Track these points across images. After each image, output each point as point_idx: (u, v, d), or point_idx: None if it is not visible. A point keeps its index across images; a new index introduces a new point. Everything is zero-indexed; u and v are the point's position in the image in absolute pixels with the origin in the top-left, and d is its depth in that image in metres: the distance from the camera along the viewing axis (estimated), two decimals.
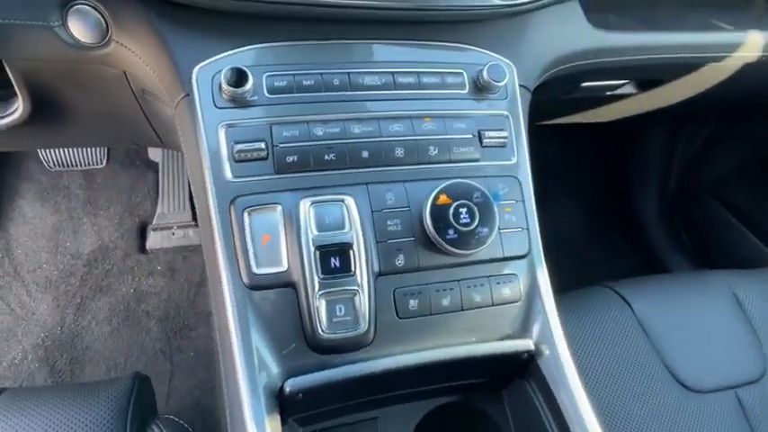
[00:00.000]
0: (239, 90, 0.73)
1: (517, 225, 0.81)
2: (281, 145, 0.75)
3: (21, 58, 0.85)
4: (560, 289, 0.88)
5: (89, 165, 1.84)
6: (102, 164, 1.86)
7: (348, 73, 0.80)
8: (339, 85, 0.79)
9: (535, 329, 0.81)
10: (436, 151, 0.80)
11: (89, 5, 0.79)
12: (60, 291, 1.83)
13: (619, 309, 1.25)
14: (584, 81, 1.23)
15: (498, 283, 0.79)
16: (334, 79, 0.79)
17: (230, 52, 0.77)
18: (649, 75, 1.27)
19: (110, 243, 1.94)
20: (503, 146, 0.85)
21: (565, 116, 1.69)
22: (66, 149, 1.74)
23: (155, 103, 0.94)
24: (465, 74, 0.86)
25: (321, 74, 0.79)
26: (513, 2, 0.82)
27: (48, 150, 1.76)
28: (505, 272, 0.80)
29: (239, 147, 0.73)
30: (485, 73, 0.83)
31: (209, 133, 0.74)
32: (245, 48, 0.77)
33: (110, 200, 1.99)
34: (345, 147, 0.76)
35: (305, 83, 0.78)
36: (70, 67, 0.87)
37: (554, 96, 1.33)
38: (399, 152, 0.78)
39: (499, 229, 0.78)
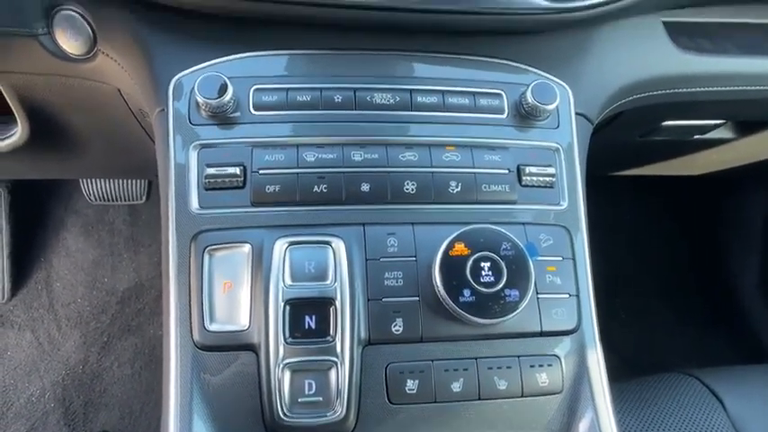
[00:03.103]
0: (215, 102, 0.60)
1: (563, 290, 0.60)
2: (262, 171, 0.60)
3: (9, 71, 0.78)
4: (620, 375, 0.65)
5: (129, 200, 1.81)
6: (141, 199, 1.82)
7: (354, 89, 0.65)
8: (341, 103, 0.64)
9: None
10: (458, 188, 0.62)
11: (74, 11, 0.71)
12: (90, 328, 1.77)
13: (706, 404, 0.97)
14: (667, 119, 1.01)
15: (532, 367, 0.58)
16: (336, 96, 0.64)
17: (215, 61, 0.65)
18: (752, 113, 1.03)
19: (146, 281, 1.88)
20: (549, 186, 0.66)
21: (641, 166, 1.45)
22: (105, 183, 1.72)
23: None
24: (505, 95, 0.68)
25: (320, 89, 0.64)
26: (566, 4, 0.64)
27: (88, 183, 1.75)
28: (544, 352, 0.59)
29: (210, 171, 0.60)
30: (529, 94, 0.65)
31: (178, 154, 0.61)
32: (233, 56, 0.65)
33: (152, 237, 1.95)
34: (341, 177, 0.61)
35: (299, 99, 0.64)
36: (62, 82, 0.80)
37: (627, 139, 1.12)
38: (410, 187, 0.62)
39: (537, 293, 0.58)
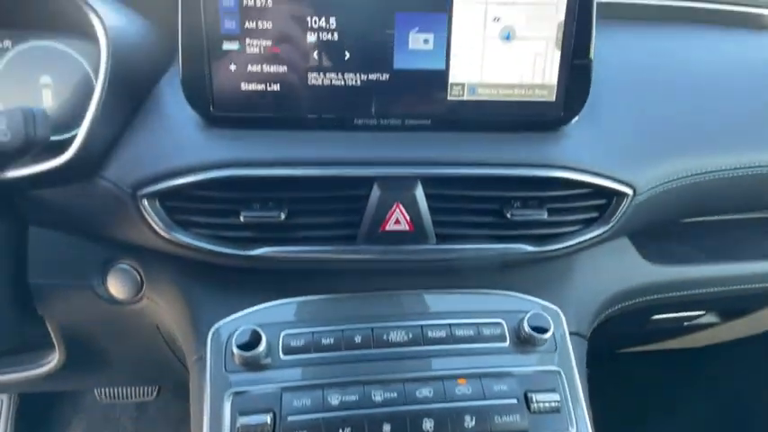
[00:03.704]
0: (249, 354, 0.68)
1: None
2: (290, 418, 0.66)
3: (60, 315, 0.87)
4: None
5: (140, 397, 1.81)
6: (151, 396, 1.83)
7: (372, 328, 0.74)
8: (361, 343, 0.73)
9: None
10: (473, 422, 0.68)
11: (128, 265, 0.82)
12: None
13: None
14: (654, 314, 1.10)
15: None
16: (356, 336, 0.73)
17: (249, 310, 0.75)
18: (730, 305, 1.12)
19: None
20: (556, 411, 0.71)
21: (644, 345, 1.50)
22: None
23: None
24: (504, 324, 0.77)
25: (342, 330, 0.73)
26: (547, 248, 0.76)
27: None
28: None
29: (243, 421, 0.65)
30: (525, 324, 0.74)
31: (213, 404, 0.68)
32: (265, 305, 0.75)
33: None
34: (363, 419, 0.67)
35: (324, 341, 0.72)
36: (107, 320, 0.89)
37: (623, 330, 1.19)
38: (428, 425, 0.67)
39: None
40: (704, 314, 1.16)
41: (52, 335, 0.92)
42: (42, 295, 0.83)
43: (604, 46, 0.74)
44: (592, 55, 0.68)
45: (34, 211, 0.77)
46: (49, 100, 0.70)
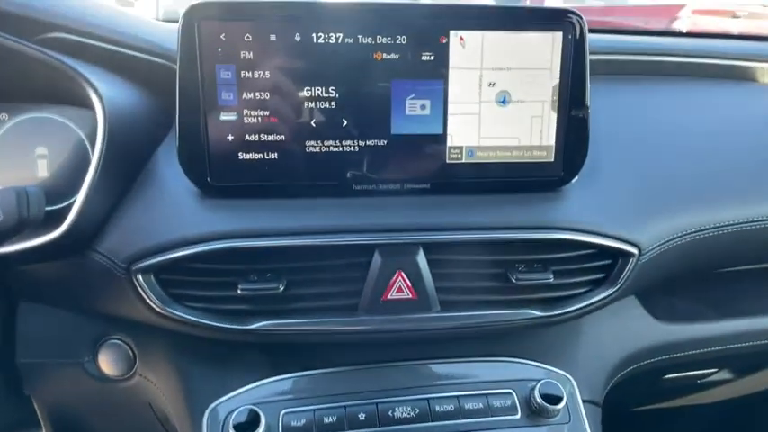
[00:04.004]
0: None
1: None
2: None
3: (48, 395, 0.83)
4: None
5: None
6: None
7: (376, 404, 0.70)
8: (365, 421, 0.69)
9: None
10: None
11: (120, 340, 0.79)
12: None
13: None
14: (666, 374, 1.06)
15: None
16: (360, 413, 0.69)
17: (246, 388, 0.71)
18: (743, 362, 1.08)
19: None
20: None
21: (658, 403, 1.45)
22: None
23: None
24: (515, 394, 0.73)
25: (345, 407, 0.69)
26: (555, 313, 0.73)
27: None
28: None
29: None
30: (537, 393, 0.71)
31: None
32: (263, 381, 0.71)
33: None
34: None
35: (326, 420, 0.68)
36: (97, 399, 0.84)
37: (635, 390, 1.15)
38: None
39: None
40: (717, 371, 1.12)
41: (39, 414, 0.87)
42: (30, 375, 0.79)
43: (600, 104, 0.75)
44: (588, 115, 0.68)
45: (22, 287, 0.75)
46: (43, 170, 0.69)
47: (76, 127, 0.69)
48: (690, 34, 1.08)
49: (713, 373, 1.13)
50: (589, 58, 0.67)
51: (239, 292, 0.64)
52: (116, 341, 0.79)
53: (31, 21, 0.63)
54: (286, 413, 0.68)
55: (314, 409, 0.69)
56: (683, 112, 0.86)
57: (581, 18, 0.65)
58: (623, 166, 0.76)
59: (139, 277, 0.64)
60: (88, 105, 0.63)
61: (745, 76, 0.94)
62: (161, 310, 0.65)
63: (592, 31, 0.67)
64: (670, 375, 1.07)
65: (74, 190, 0.65)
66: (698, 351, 0.93)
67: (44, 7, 0.64)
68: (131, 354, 0.79)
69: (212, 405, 0.69)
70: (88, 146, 0.69)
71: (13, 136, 0.69)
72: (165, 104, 0.71)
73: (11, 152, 0.69)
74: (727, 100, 0.90)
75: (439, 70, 0.65)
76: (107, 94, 0.62)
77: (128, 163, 0.67)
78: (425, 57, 0.64)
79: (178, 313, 0.65)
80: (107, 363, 0.79)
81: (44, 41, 0.64)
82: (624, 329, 0.87)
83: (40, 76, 0.65)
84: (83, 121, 0.69)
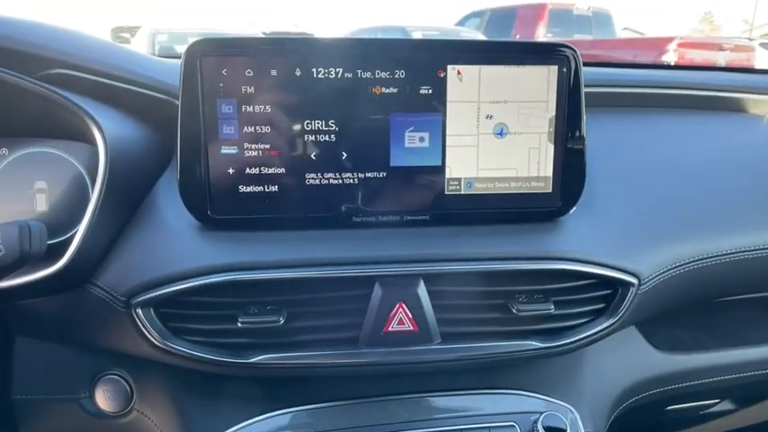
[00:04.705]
0: None
1: None
2: None
3: (41, 431, 0.81)
4: None
5: None
6: None
7: None
8: None
9: None
10: None
11: (117, 375, 0.78)
12: None
13: None
14: (669, 405, 1.04)
15: None
16: None
17: (245, 423, 0.70)
18: (746, 393, 1.07)
19: None
20: None
21: None
22: None
23: None
24: (517, 427, 0.72)
25: None
26: (557, 343, 0.73)
27: None
28: None
29: None
30: (540, 427, 0.70)
31: None
32: (264, 416, 0.70)
33: None
34: None
35: None
36: None
37: (638, 422, 1.13)
38: None
39: None
40: (720, 402, 1.11)
41: None
42: (24, 411, 0.77)
43: (596, 135, 0.76)
44: (585, 145, 0.69)
45: (20, 322, 0.74)
46: (42, 204, 0.69)
47: (75, 161, 0.70)
48: (679, 67, 1.11)
49: (716, 404, 1.12)
50: (584, 90, 0.68)
51: (239, 325, 0.64)
52: (113, 376, 0.77)
53: (31, 57, 0.64)
54: None
55: None
56: (678, 142, 0.87)
57: (575, 52, 0.67)
58: (620, 195, 0.77)
59: (139, 311, 0.63)
60: (87, 139, 0.63)
61: (735, 107, 0.96)
62: (160, 344, 0.64)
63: (584, 64, 0.69)
64: (673, 407, 1.05)
65: (72, 224, 0.65)
66: (700, 381, 0.92)
67: (44, 43, 0.65)
68: (129, 389, 0.78)
69: None
70: (87, 180, 0.69)
71: (12, 170, 0.69)
72: (165, 138, 0.72)
73: (10, 186, 0.69)
74: (719, 130, 0.91)
75: (437, 103, 0.66)
76: (108, 128, 0.63)
77: (128, 197, 0.67)
78: (424, 90, 0.66)
79: (178, 347, 0.65)
80: (104, 398, 0.77)
81: (48, 77, 0.65)
82: (626, 360, 0.86)
83: (40, 111, 0.66)
84: (82, 154, 0.70)
